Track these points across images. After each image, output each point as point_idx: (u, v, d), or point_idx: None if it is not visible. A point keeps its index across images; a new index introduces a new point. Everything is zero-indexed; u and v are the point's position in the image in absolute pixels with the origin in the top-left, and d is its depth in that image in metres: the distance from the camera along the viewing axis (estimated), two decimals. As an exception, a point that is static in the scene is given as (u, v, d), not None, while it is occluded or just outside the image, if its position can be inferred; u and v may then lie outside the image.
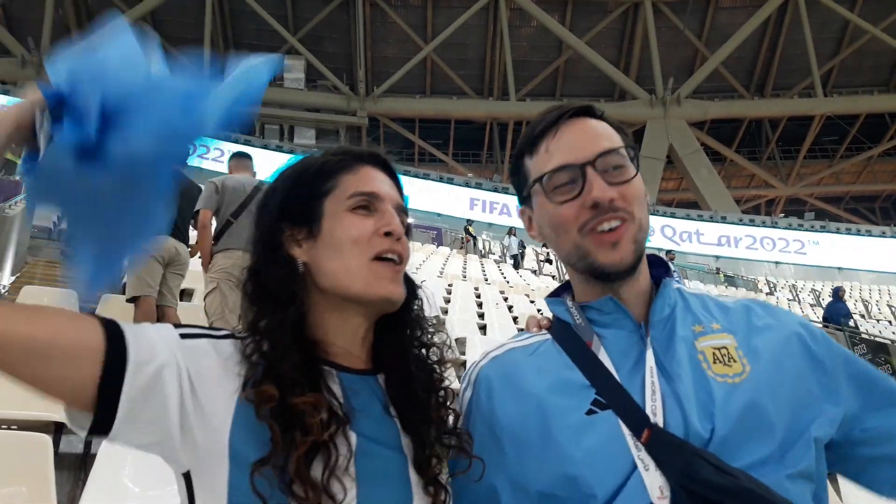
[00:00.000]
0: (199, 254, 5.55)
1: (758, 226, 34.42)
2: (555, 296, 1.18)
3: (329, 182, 1.05)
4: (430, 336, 1.10)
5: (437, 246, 24.34)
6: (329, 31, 40.33)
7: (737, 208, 38.44)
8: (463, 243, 24.52)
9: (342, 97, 39.08)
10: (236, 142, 32.67)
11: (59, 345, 0.81)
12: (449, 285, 12.81)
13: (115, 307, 6.41)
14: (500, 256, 24.74)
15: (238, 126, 0.97)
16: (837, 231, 34.29)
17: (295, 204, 1.04)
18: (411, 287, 1.11)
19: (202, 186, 5.49)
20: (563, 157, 1.05)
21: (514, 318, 10.37)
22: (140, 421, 0.85)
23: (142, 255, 1.03)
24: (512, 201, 26.85)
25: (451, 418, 1.05)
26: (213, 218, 5.04)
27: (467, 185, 33.98)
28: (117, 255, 0.98)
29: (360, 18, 38.92)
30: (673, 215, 34.04)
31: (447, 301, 10.99)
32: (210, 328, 0.98)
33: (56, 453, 2.98)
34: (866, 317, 21.68)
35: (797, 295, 25.79)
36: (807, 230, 34.08)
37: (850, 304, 16.73)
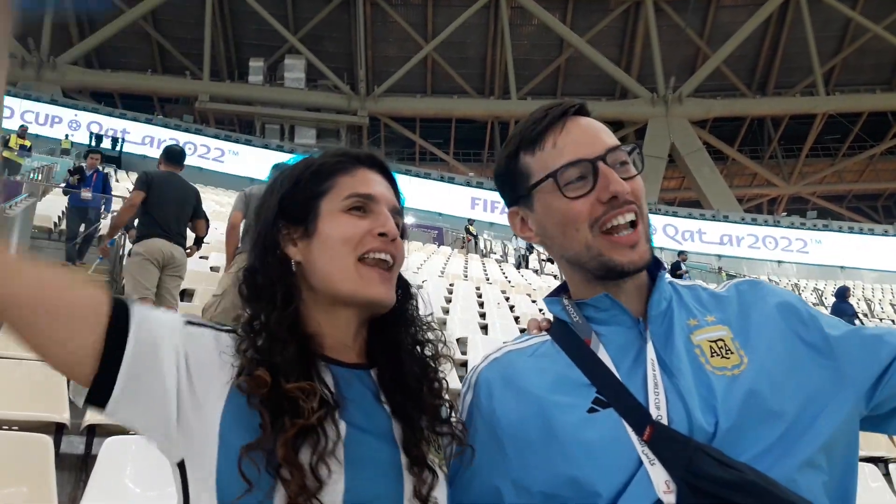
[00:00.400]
0: (197, 254, 5.55)
1: (760, 225, 34.40)
2: (552, 296, 1.17)
3: (326, 183, 1.06)
4: (423, 333, 1.11)
5: (439, 245, 24.35)
6: (329, 31, 40.36)
7: (739, 207, 38.45)
8: (464, 243, 24.52)
9: (343, 97, 39.13)
10: (237, 141, 32.76)
11: (67, 306, 0.85)
12: (450, 285, 12.82)
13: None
14: (501, 255, 24.75)
15: None
16: (840, 230, 34.26)
17: (292, 203, 1.05)
18: (406, 288, 1.12)
19: (196, 188, 5.86)
20: (573, 152, 1.04)
21: (516, 318, 10.36)
22: (138, 394, 0.87)
23: None
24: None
25: (444, 409, 1.06)
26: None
27: (468, 184, 33.99)
28: None
29: (361, 18, 38.96)
30: (675, 214, 34.03)
31: (448, 301, 11.00)
32: (215, 323, 1.01)
33: (57, 454, 2.99)
34: (869, 316, 21.66)
35: (800, 294, 25.79)
36: (809, 229, 34.04)
37: (852, 303, 16.69)
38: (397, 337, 1.08)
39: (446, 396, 1.08)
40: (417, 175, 32.71)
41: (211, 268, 10.08)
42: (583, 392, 1.00)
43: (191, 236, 6.43)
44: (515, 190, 1.12)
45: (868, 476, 4.81)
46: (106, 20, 35.80)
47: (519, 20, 40.15)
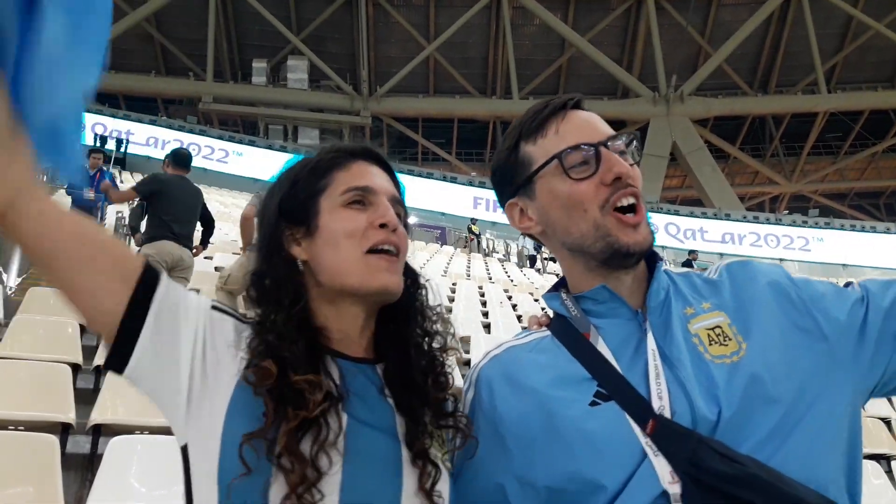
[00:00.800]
0: (202, 254, 6.22)
1: (762, 223, 34.30)
2: (551, 292, 1.17)
3: (323, 180, 1.07)
4: (432, 325, 1.11)
5: (441, 245, 24.34)
6: (332, 32, 40.32)
7: (741, 205, 38.32)
8: (467, 242, 24.51)
9: (345, 97, 39.09)
10: (241, 142, 32.77)
11: (106, 253, 0.90)
12: (453, 284, 12.82)
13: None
14: (503, 255, 24.72)
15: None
16: (842, 228, 34.13)
17: (292, 204, 1.06)
18: (414, 277, 1.13)
19: (200, 189, 6.15)
20: (576, 137, 1.05)
21: (518, 317, 10.37)
22: (157, 357, 0.91)
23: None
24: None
25: (449, 403, 1.06)
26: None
27: (471, 183, 33.95)
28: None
29: (363, 18, 38.91)
30: (677, 213, 33.95)
31: (451, 300, 11.00)
32: (239, 313, 1.03)
33: (63, 454, 3.01)
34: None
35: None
36: (811, 227, 33.94)
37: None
38: (405, 329, 1.08)
39: (451, 391, 1.08)
40: (420, 175, 32.66)
41: (215, 268, 10.10)
42: (584, 386, 1.00)
43: (196, 237, 6.50)
44: (515, 180, 1.12)
45: (871, 473, 4.81)
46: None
47: (520, 20, 40.06)
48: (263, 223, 1.08)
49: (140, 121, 31.90)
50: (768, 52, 41.11)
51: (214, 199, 17.34)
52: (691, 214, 34.15)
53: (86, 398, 3.80)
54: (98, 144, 26.40)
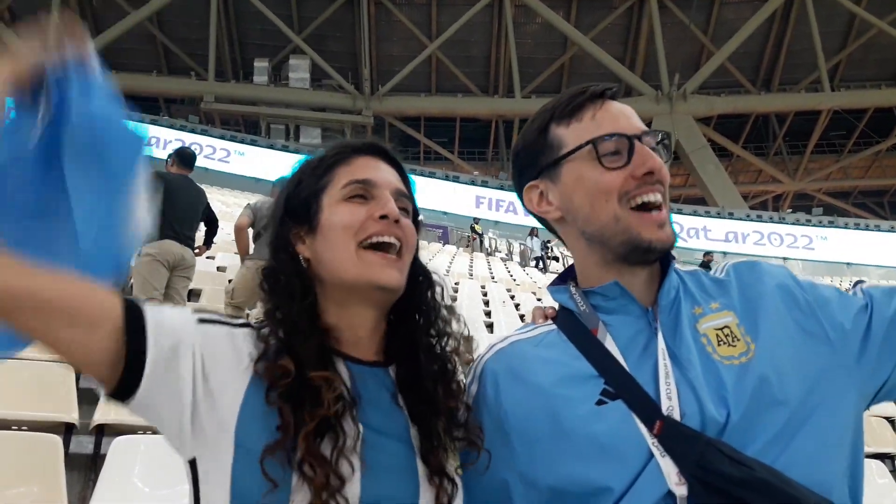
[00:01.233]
0: (205, 254, 6.54)
1: (765, 221, 34.27)
2: (557, 283, 1.15)
3: (325, 177, 1.06)
4: (444, 325, 1.09)
5: (444, 244, 24.37)
6: (334, 31, 40.33)
7: (744, 204, 38.28)
8: (469, 241, 24.52)
9: (347, 96, 39.11)
10: (243, 142, 32.81)
11: (84, 310, 0.86)
12: (455, 284, 12.82)
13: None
14: (506, 254, 24.72)
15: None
16: (846, 226, 34.10)
17: (296, 203, 1.06)
18: (427, 275, 1.11)
19: (203, 189, 6.26)
20: (612, 126, 1.04)
21: (521, 316, 10.36)
22: (158, 395, 0.89)
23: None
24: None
25: (462, 411, 1.04)
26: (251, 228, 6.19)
27: (473, 183, 33.98)
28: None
29: (365, 17, 38.92)
30: (680, 211, 33.88)
31: (454, 300, 10.93)
32: (228, 316, 1.01)
33: (66, 453, 3.01)
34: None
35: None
36: (815, 225, 33.91)
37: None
38: (416, 331, 1.06)
39: (463, 398, 1.06)
40: (422, 174, 32.67)
41: (218, 268, 10.12)
42: (590, 383, 0.99)
43: (199, 237, 6.51)
44: (540, 161, 1.10)
45: (875, 472, 4.79)
46: (110, 22, 35.85)
47: (523, 18, 40.04)
48: (273, 220, 1.08)
49: (142, 120, 31.55)
50: (771, 49, 41.05)
51: (216, 199, 17.34)
52: (694, 213, 34.11)
53: (89, 398, 3.79)
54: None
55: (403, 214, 1.04)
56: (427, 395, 1.00)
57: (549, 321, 1.13)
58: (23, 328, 0.85)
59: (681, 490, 0.89)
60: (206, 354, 0.92)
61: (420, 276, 1.09)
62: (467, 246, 24.40)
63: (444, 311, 1.10)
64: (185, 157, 6.32)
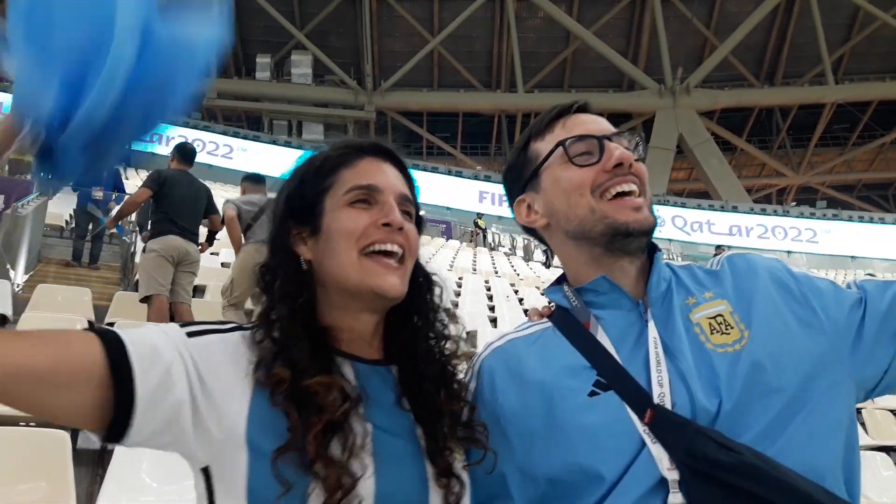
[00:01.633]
0: (208, 250, 6.75)
1: (769, 215, 34.18)
2: (553, 286, 1.19)
3: (328, 179, 1.04)
4: (443, 327, 1.10)
5: (447, 239, 24.35)
6: (336, 26, 40.27)
7: (748, 198, 38.21)
8: (472, 236, 24.51)
9: (350, 92, 39.10)
10: (245, 138, 32.80)
11: (63, 372, 0.81)
12: (459, 278, 12.84)
13: (128, 306, 6.49)
14: (509, 249, 24.71)
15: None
16: (850, 219, 33.98)
17: (298, 203, 1.05)
18: (427, 277, 1.11)
19: (207, 185, 6.35)
20: (580, 130, 1.10)
21: (525, 311, 10.36)
22: (154, 422, 0.86)
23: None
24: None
25: (465, 411, 1.04)
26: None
27: (476, 178, 33.91)
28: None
29: (367, 12, 38.85)
30: (683, 205, 33.85)
31: (457, 294, 11.02)
32: (217, 322, 0.99)
33: (74, 449, 3.02)
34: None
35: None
36: (819, 219, 33.80)
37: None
38: (415, 331, 1.07)
39: (465, 398, 1.07)
40: (425, 169, 32.62)
41: (222, 264, 10.14)
42: (583, 375, 1.01)
43: (202, 233, 6.51)
44: (523, 176, 1.16)
45: (880, 465, 4.80)
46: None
47: (525, 13, 39.92)
48: (273, 219, 1.06)
49: (144, 119, 31.87)
50: (774, 43, 40.87)
51: (220, 195, 17.36)
52: (698, 207, 34.05)
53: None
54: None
55: (406, 219, 1.04)
56: (429, 398, 1.01)
57: (545, 319, 1.16)
58: (6, 404, 0.80)
59: (672, 475, 0.91)
60: (201, 368, 0.90)
61: (420, 278, 1.09)
62: (471, 241, 24.40)
63: (443, 314, 1.11)
64: (185, 152, 6.33)
